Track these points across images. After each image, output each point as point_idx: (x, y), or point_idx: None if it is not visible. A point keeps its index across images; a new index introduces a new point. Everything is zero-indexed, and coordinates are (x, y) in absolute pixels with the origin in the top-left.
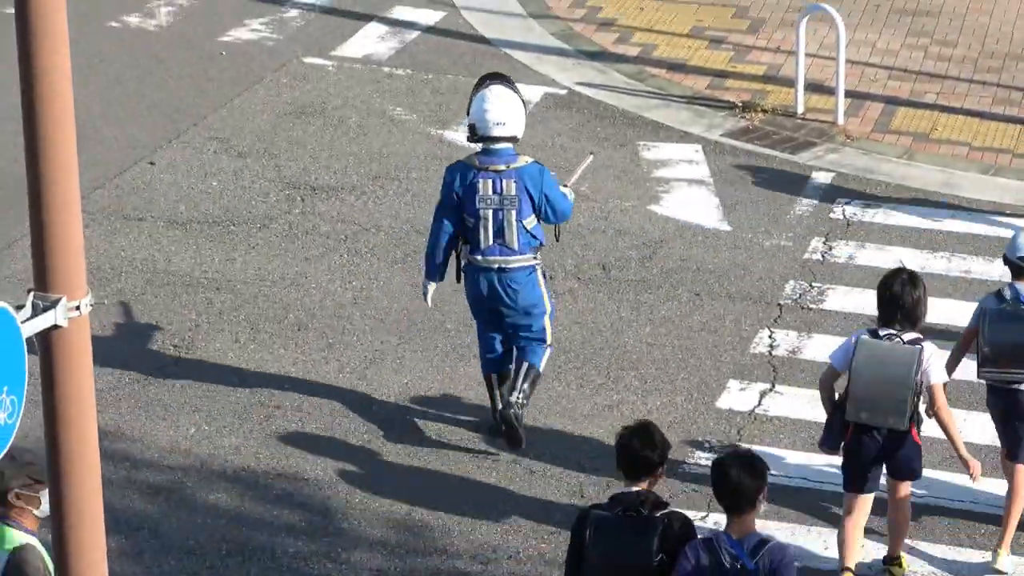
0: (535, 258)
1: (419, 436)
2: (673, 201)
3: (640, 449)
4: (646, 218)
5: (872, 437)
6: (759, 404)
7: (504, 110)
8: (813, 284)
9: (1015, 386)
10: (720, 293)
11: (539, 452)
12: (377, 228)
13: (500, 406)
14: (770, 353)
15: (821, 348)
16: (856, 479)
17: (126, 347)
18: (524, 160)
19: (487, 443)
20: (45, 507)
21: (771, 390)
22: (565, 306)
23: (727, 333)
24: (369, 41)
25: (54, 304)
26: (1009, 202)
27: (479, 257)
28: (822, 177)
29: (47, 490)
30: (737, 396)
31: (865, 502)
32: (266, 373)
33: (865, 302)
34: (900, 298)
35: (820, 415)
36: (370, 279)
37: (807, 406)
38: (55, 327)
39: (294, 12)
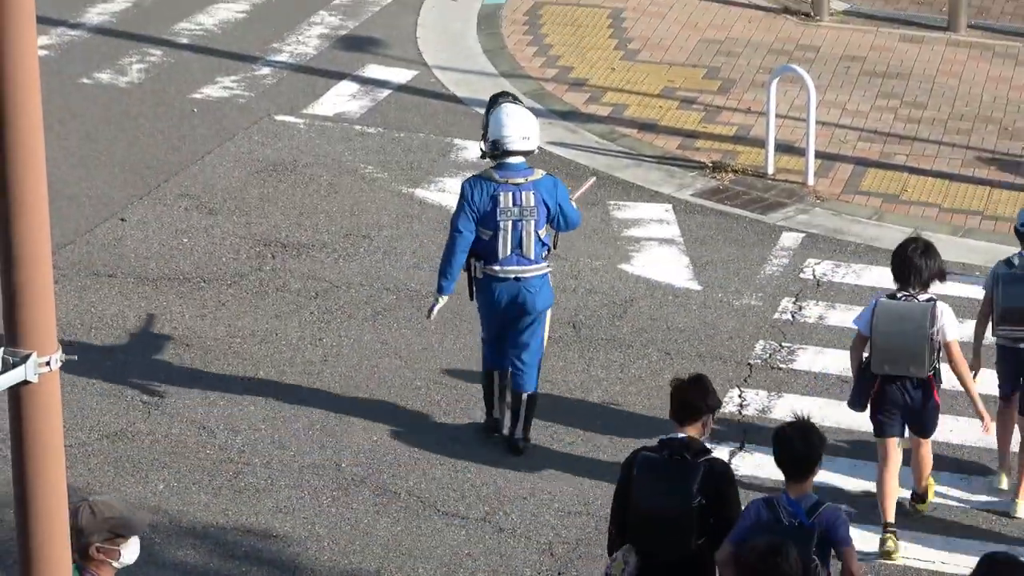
0: (548, 265)
1: (389, 494)
2: (644, 260)
3: (691, 397)
4: (617, 277)
5: (897, 387)
6: (729, 463)
7: (528, 125)
8: (783, 344)
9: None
10: (690, 352)
11: (508, 510)
12: (348, 286)
13: (504, 428)
14: (740, 413)
15: (791, 408)
16: (884, 425)
17: (96, 403)
18: (539, 173)
19: (457, 501)
20: (124, 558)
21: (741, 449)
22: None
23: None
24: (341, 99)
25: (24, 359)
26: (978, 263)
27: (497, 268)
28: (792, 237)
29: (128, 542)
30: None
31: (894, 447)
32: (236, 430)
33: (835, 362)
34: (914, 263)
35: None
36: (340, 337)
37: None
38: (25, 383)
39: (266, 70)
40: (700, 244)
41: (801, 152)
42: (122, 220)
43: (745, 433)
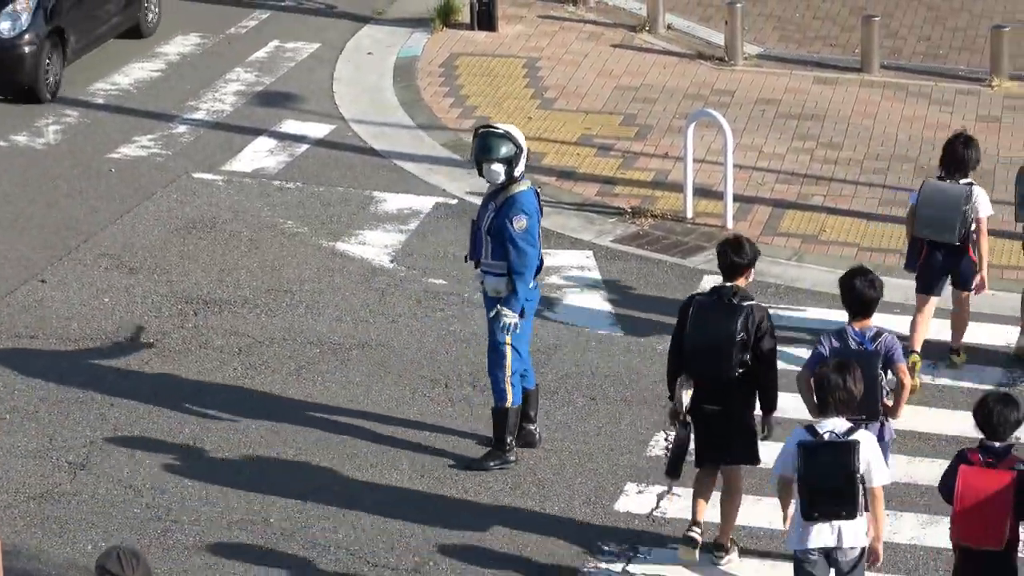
0: None
1: (318, 547)
2: (566, 307)
3: (733, 256)
4: (540, 324)
5: (937, 253)
6: (657, 506)
7: None
8: None
9: None
10: (615, 397)
11: (438, 560)
12: (271, 341)
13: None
14: (666, 455)
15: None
16: (925, 284)
17: (20, 465)
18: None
19: (387, 552)
20: None
21: (669, 492)
22: (462, 413)
23: (623, 437)
24: (259, 155)
25: None
26: (899, 301)
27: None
28: (713, 281)
29: None
30: (635, 499)
31: (931, 304)
32: (163, 488)
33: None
34: (958, 153)
35: (716, 515)
36: (265, 392)
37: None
38: None
39: (183, 128)
40: (622, 290)
41: (719, 196)
42: (42, 282)
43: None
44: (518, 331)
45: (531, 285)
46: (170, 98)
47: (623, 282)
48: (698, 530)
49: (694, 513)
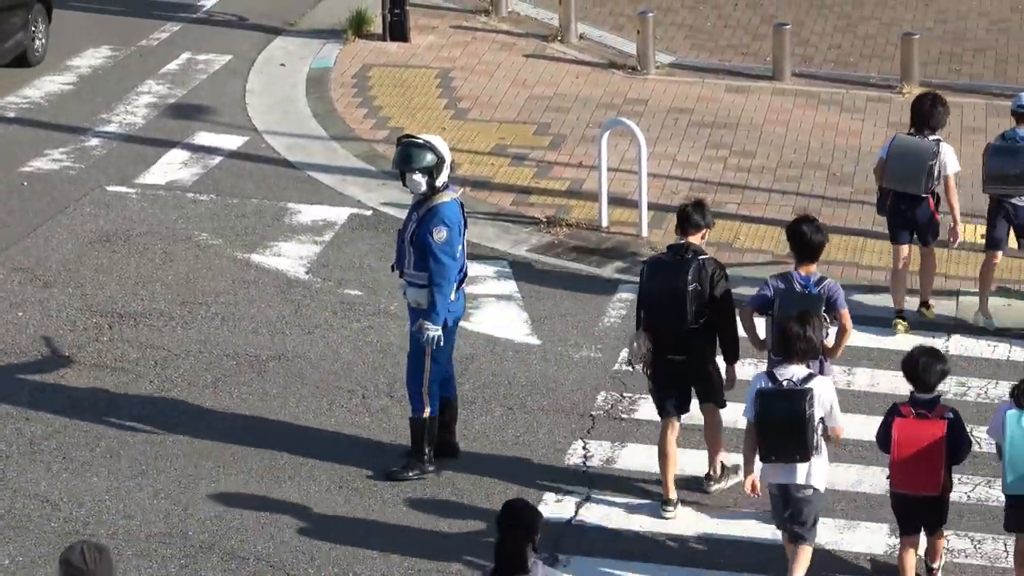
0: None
1: (237, 559)
2: (482, 317)
3: (693, 212)
4: (457, 334)
5: (901, 204)
6: (576, 515)
7: None
8: (624, 394)
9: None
10: (533, 406)
11: (359, 571)
12: (187, 353)
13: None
14: (584, 464)
15: (635, 457)
16: (895, 234)
17: None
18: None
19: (307, 564)
20: None
21: (587, 500)
22: (379, 423)
23: (541, 446)
24: (172, 168)
25: None
26: None
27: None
28: (629, 289)
29: None
30: (554, 507)
31: (904, 253)
32: (80, 502)
33: None
34: (924, 110)
35: (635, 523)
36: (181, 404)
37: (623, 515)
38: None
39: (95, 141)
40: (538, 299)
41: (634, 204)
42: None
43: (591, 483)
44: (441, 343)
45: (453, 297)
46: (82, 111)
47: (539, 291)
48: (671, 509)
49: (665, 486)
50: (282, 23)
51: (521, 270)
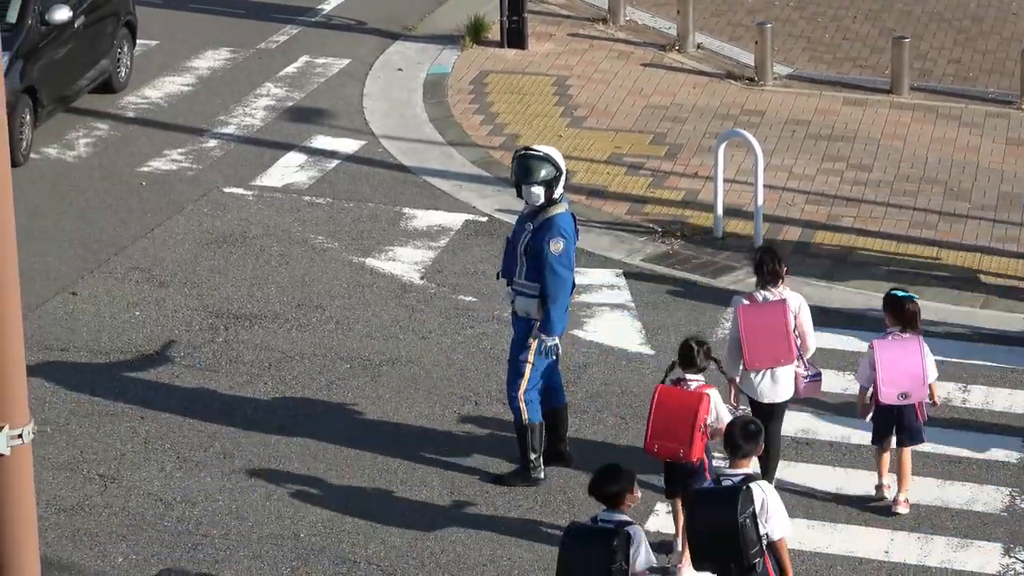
0: None
1: (348, 563)
2: (596, 326)
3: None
4: (570, 343)
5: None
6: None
7: None
8: (740, 407)
9: None
10: (645, 416)
11: None
12: (301, 356)
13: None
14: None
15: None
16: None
17: (51, 477)
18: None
19: (417, 569)
20: None
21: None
22: (491, 430)
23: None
24: (289, 170)
25: None
26: (931, 318)
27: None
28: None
29: None
30: (665, 518)
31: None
32: (193, 501)
33: (791, 422)
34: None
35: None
36: (295, 407)
37: None
38: None
39: (213, 142)
40: (652, 309)
41: (749, 216)
42: (73, 294)
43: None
44: (560, 353)
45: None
46: (200, 112)
47: (653, 301)
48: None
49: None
50: (400, 28)
51: (635, 280)
